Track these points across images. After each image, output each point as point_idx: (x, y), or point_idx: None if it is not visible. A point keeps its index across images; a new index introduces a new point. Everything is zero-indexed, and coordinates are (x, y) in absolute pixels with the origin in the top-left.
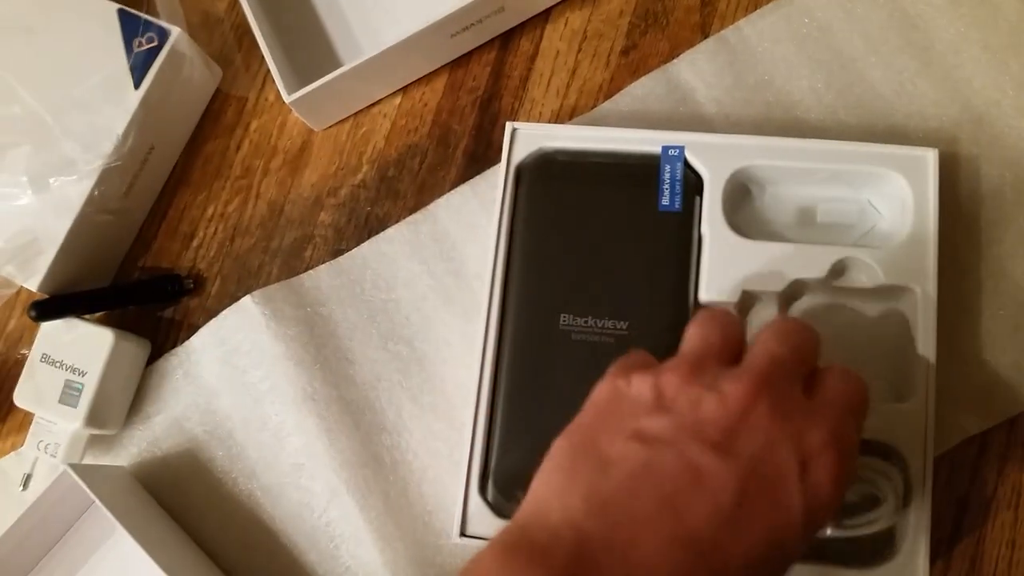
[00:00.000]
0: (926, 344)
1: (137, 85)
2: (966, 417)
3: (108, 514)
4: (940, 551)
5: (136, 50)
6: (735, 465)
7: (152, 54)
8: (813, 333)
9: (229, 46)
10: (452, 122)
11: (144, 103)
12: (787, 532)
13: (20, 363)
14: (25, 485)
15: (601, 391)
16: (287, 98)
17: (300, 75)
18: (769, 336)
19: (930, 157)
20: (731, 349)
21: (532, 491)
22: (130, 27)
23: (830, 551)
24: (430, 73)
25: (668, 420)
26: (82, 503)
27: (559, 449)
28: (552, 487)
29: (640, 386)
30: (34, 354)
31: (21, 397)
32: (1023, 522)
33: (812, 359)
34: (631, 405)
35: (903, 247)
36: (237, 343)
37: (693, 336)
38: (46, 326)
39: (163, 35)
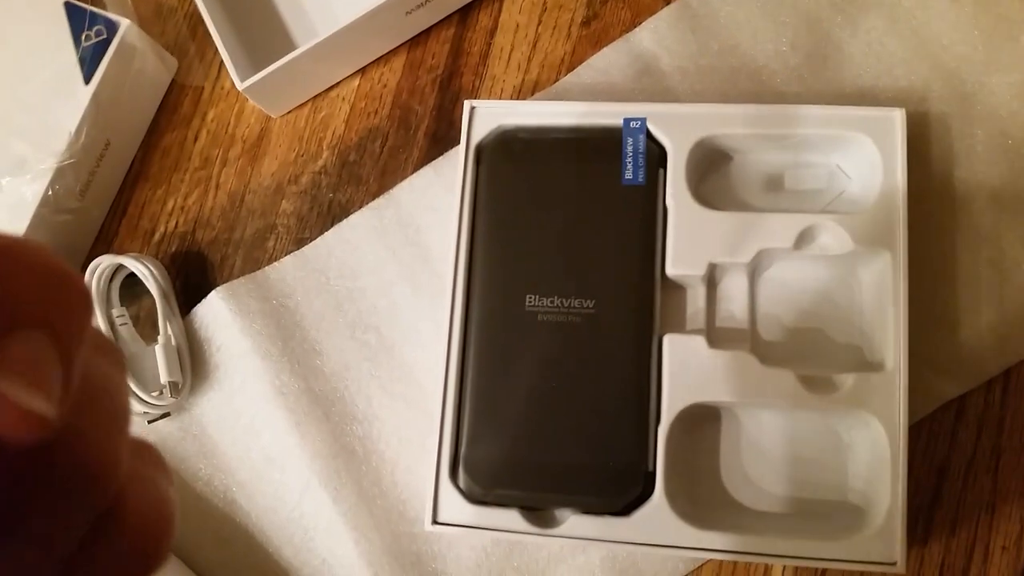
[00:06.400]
0: (897, 310)
1: (87, 80)
2: (943, 382)
3: None
4: (920, 517)
5: (85, 44)
6: None
7: (102, 47)
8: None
9: (183, 36)
10: (412, 103)
11: (95, 98)
12: None
13: None
14: None
15: None
16: (240, 85)
17: (256, 61)
18: None
19: (897, 117)
20: None
21: None
22: (78, 20)
23: (802, 528)
24: (388, 53)
25: None
26: None
27: None
28: None
29: None
30: None
31: None
32: (1002, 486)
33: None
34: None
35: (872, 211)
36: (206, 339)
37: None
38: None
39: (112, 27)
